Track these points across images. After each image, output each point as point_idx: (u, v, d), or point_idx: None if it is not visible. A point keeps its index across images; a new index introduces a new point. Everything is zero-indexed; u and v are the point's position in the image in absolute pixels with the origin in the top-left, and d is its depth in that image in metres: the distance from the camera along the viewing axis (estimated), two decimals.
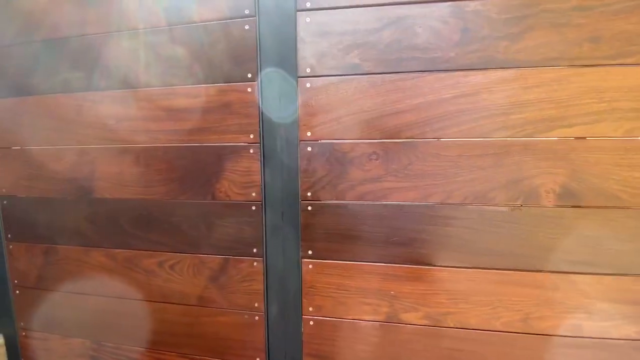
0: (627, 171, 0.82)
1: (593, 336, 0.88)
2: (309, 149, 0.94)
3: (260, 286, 1.02)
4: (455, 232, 0.90)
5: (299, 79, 0.93)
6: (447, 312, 0.94)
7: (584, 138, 0.83)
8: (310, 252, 0.98)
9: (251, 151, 0.98)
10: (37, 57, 1.10)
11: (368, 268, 0.96)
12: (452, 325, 0.94)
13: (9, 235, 1.23)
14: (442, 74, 0.87)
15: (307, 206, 0.96)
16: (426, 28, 0.86)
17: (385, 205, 0.93)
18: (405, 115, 0.89)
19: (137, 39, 1.01)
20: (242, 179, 0.99)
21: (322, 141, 0.94)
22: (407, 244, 0.93)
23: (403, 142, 0.90)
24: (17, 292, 1.26)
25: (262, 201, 0.99)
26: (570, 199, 0.85)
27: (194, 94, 1.00)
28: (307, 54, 0.91)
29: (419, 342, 0.96)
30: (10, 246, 1.23)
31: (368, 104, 0.90)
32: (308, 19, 0.90)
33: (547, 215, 0.87)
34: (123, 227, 1.10)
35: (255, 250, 1.01)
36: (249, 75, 0.95)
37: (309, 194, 0.96)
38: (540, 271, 0.88)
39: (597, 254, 0.85)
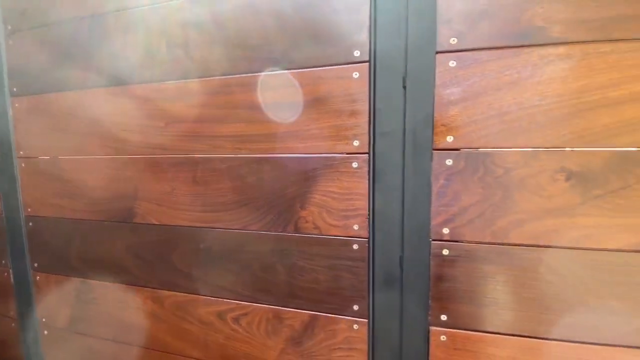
0: None
1: None
2: (449, 162, 0.62)
3: (362, 359, 0.71)
4: None
5: (437, 55, 0.60)
6: None
7: None
8: (444, 317, 0.65)
9: (355, 165, 0.67)
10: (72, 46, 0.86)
11: (535, 347, 0.62)
12: None
13: (36, 265, 1.00)
14: None
15: (442, 249, 0.64)
16: None
17: (578, 252, 0.58)
18: (621, 108, 0.55)
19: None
20: (340, 204, 0.69)
21: (471, 150, 0.61)
22: (612, 312, 0.58)
23: (615, 151, 0.55)
24: (46, 332, 1.03)
25: (369, 238, 0.68)
26: None
27: (267, 84, 0.71)
28: (453, 14, 0.59)
29: None
30: (37, 277, 1.01)
31: (556, 90, 0.56)
32: None
33: None
34: (173, 263, 0.83)
35: (356, 307, 0.70)
36: (357, 54, 0.64)
37: (445, 230, 0.63)
38: None
39: None
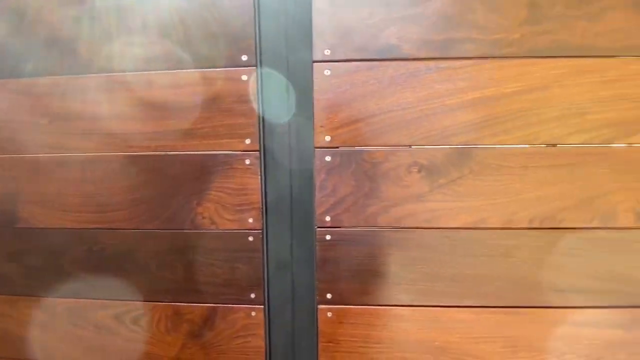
0: None
1: None
2: (328, 158, 0.70)
3: (260, 342, 0.76)
4: (520, 264, 0.71)
5: (314, 63, 0.68)
6: None
7: None
8: (329, 295, 0.74)
9: (247, 162, 0.72)
10: None
11: (407, 314, 0.73)
12: None
13: None
14: (505, 62, 0.67)
15: (326, 235, 0.72)
16: (485, 0, 0.65)
17: (429, 231, 0.71)
18: (456, 114, 0.68)
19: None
20: (235, 199, 0.73)
21: (346, 148, 0.70)
22: (457, 280, 0.72)
23: (453, 149, 0.69)
24: None
25: (262, 229, 0.73)
26: None
27: (160, 82, 0.72)
28: (326, 29, 0.67)
29: None
30: None
31: (408, 99, 0.68)
32: None
33: (626, 240, 0.70)
34: (63, 268, 0.79)
35: (253, 295, 0.75)
36: (244, 58, 0.70)
37: (327, 218, 0.72)
38: (616, 307, 0.71)
39: None
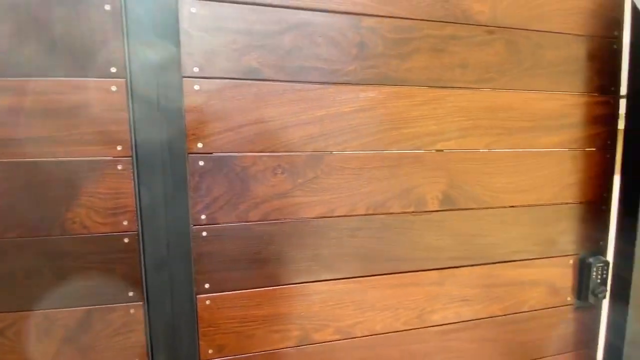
0: (488, 178, 0.98)
1: (469, 318, 1.03)
2: (201, 163, 0.79)
3: (141, 337, 0.81)
4: (361, 242, 0.91)
5: (184, 79, 0.76)
6: (355, 322, 0.94)
7: (457, 150, 0.96)
8: (207, 285, 0.83)
9: (120, 167, 0.76)
10: None
11: (276, 293, 0.87)
12: (360, 335, 0.95)
13: None
14: (343, 87, 0.86)
15: (201, 232, 0.81)
16: (327, 38, 0.83)
17: (293, 222, 0.86)
18: (309, 127, 0.85)
19: None
20: (108, 203, 0.76)
21: (218, 154, 0.80)
22: (316, 260, 0.89)
23: (309, 154, 0.85)
24: None
25: (138, 231, 0.78)
26: (449, 204, 0.97)
27: (27, 89, 0.71)
28: (194, 50, 0.76)
29: (332, 359, 0.93)
30: None
31: (270, 114, 0.82)
32: (193, 10, 0.75)
33: (433, 219, 0.97)
34: None
35: (131, 294, 0.79)
36: (113, 70, 0.73)
37: (202, 217, 0.81)
38: (430, 270, 0.98)
39: (470, 249, 1.00)
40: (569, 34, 1.00)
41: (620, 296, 1.08)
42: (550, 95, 1.01)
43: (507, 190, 1.00)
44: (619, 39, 1.04)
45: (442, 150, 0.95)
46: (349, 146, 0.88)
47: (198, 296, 0.83)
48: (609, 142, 1.07)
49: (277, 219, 0.85)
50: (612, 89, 1.05)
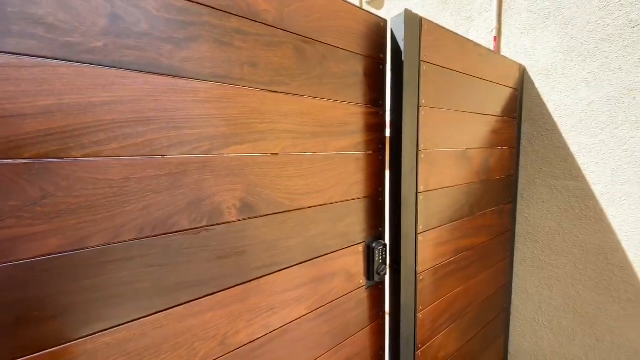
0: (286, 181, 0.96)
1: (278, 326, 0.99)
2: None
3: None
4: (134, 276, 0.70)
5: None
6: None
7: (253, 154, 0.89)
8: None
9: None
10: None
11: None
12: None
13: None
14: (87, 69, 0.62)
15: None
16: None
17: (9, 266, 0.56)
18: (26, 121, 0.57)
19: None
20: None
21: None
22: (59, 316, 0.62)
23: (28, 163, 0.57)
24: None
25: None
26: (249, 212, 0.89)
27: None
28: None
29: None
30: None
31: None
32: None
33: (232, 231, 0.87)
34: None
35: None
36: None
37: None
38: (232, 287, 0.88)
39: (275, 254, 0.96)
40: (348, 50, 1.10)
41: (395, 270, 1.31)
42: (335, 103, 1.09)
43: (304, 192, 1.02)
44: (384, 61, 1.25)
45: (238, 155, 0.86)
46: (102, 150, 0.65)
47: None
48: (380, 146, 1.27)
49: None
50: (380, 102, 1.25)
